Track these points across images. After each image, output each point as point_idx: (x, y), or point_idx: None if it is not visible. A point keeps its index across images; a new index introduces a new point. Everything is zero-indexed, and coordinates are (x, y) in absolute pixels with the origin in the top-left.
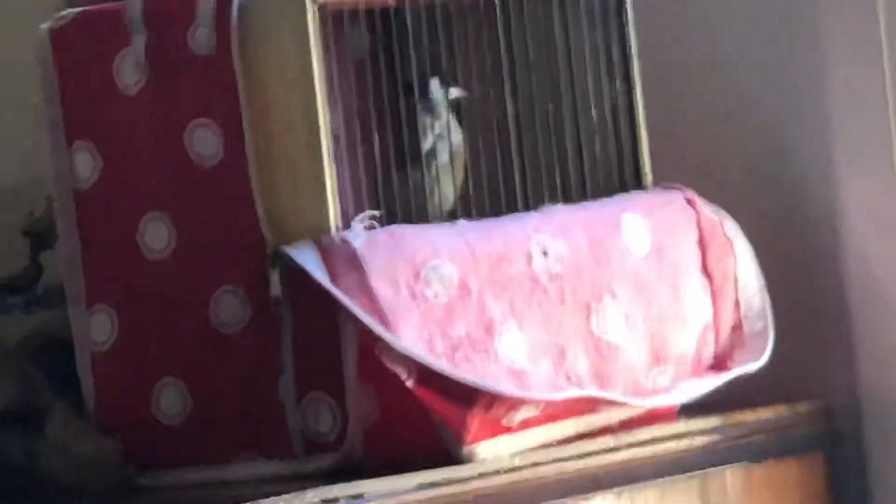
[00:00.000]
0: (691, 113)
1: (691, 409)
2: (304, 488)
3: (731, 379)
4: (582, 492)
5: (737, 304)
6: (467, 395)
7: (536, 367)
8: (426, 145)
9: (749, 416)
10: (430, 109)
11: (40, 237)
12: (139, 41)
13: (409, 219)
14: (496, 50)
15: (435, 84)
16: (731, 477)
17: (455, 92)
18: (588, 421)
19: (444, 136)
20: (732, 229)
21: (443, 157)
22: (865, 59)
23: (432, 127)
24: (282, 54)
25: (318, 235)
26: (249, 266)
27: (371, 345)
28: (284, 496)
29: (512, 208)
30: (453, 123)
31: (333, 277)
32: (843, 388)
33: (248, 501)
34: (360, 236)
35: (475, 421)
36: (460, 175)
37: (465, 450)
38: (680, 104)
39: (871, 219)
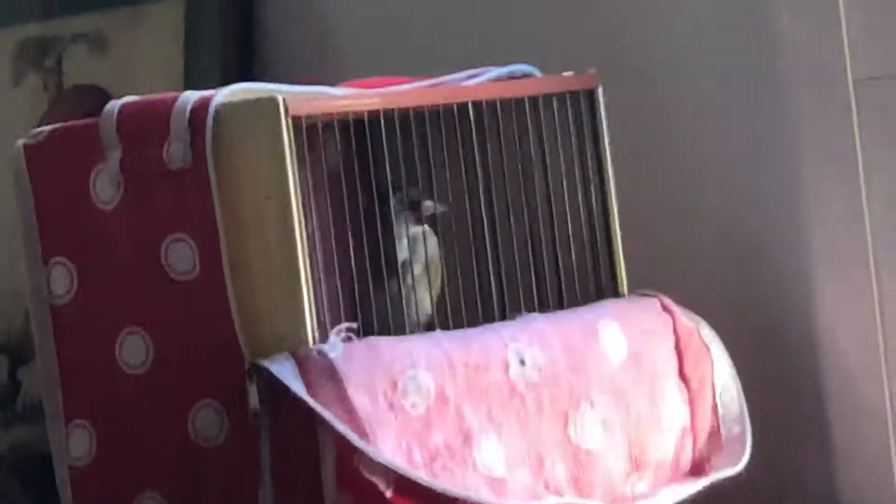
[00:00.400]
0: (666, 219)
1: None
2: None
3: (710, 483)
4: None
5: (714, 408)
6: None
7: (515, 476)
8: (402, 256)
9: None
10: (405, 220)
11: (18, 353)
12: (114, 156)
13: (386, 329)
14: (471, 158)
15: (409, 195)
16: None
17: (429, 205)
18: None
19: (419, 245)
20: (709, 335)
21: (418, 266)
22: (839, 160)
23: (407, 237)
24: (257, 167)
25: (295, 348)
26: (227, 379)
27: (350, 456)
28: None
29: (488, 317)
30: (428, 233)
31: (311, 389)
32: (821, 491)
33: None
34: (336, 348)
35: None
36: (437, 284)
37: None
38: (654, 211)
39: (848, 321)
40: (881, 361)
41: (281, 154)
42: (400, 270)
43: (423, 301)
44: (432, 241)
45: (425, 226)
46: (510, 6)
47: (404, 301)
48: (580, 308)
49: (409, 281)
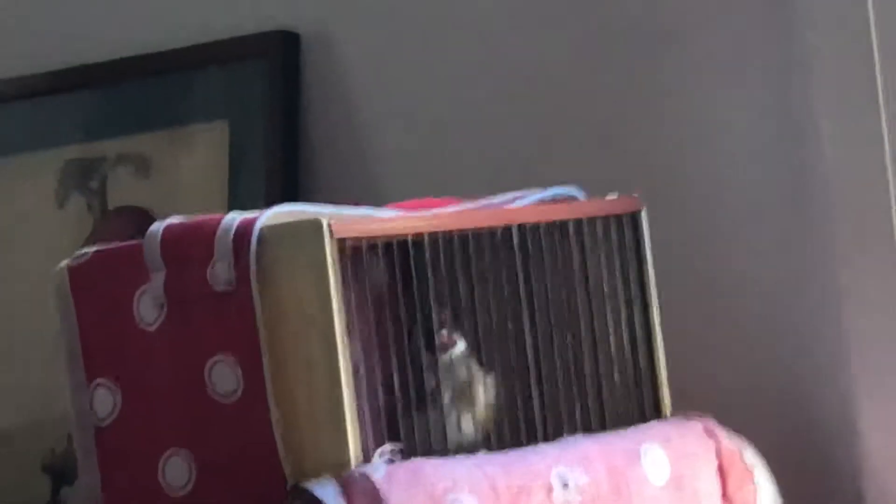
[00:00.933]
0: (709, 342)
1: None
2: None
3: None
4: None
5: None
6: None
7: None
8: (445, 378)
9: None
10: (449, 344)
11: (61, 474)
12: (158, 278)
13: (428, 452)
14: (515, 280)
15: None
16: None
17: (461, 345)
18: None
19: (462, 369)
20: (752, 458)
21: (462, 389)
22: (883, 287)
23: (451, 360)
24: (301, 289)
25: (338, 469)
26: (270, 501)
27: None
28: None
29: (532, 438)
30: (472, 358)
31: None
32: None
33: None
34: (380, 470)
35: None
36: (480, 408)
37: None
38: (698, 333)
39: (892, 446)
40: None
41: (325, 276)
42: (442, 392)
43: (466, 424)
44: (476, 364)
45: (469, 349)
46: (554, 129)
47: (447, 424)
48: (623, 430)
49: (453, 403)
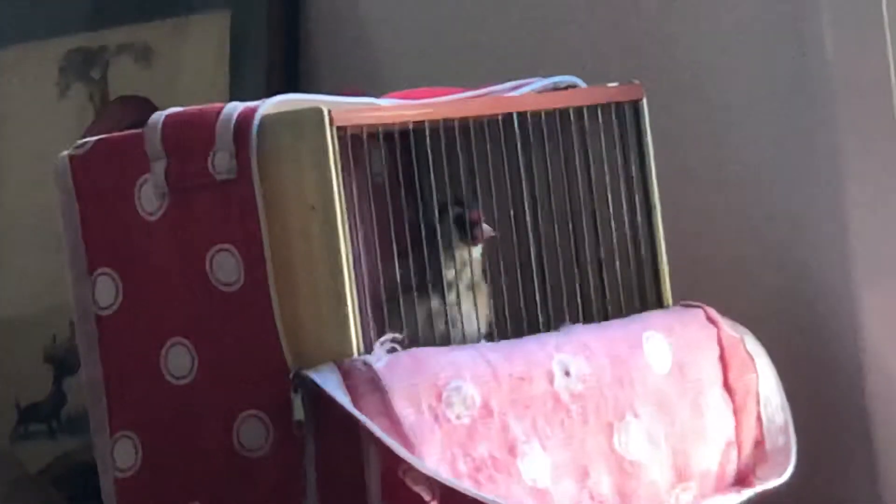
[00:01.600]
0: (710, 230)
1: None
2: None
3: (755, 495)
4: None
5: (759, 419)
6: None
7: (559, 487)
8: (449, 273)
9: None
10: (458, 240)
11: (63, 364)
12: (159, 167)
13: (430, 343)
14: (515, 169)
15: (469, 217)
16: None
17: (488, 229)
18: None
19: (466, 265)
20: (753, 346)
21: (464, 281)
22: (886, 173)
23: (453, 252)
24: (302, 178)
25: (340, 358)
26: (272, 390)
27: (394, 467)
28: None
29: (533, 329)
30: (475, 248)
31: (355, 400)
32: (867, 502)
33: None
34: (381, 358)
35: None
36: (482, 299)
37: None
38: (699, 222)
39: (893, 332)
40: None
41: (325, 164)
42: (445, 287)
43: (469, 317)
44: (478, 254)
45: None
46: (555, 17)
47: (448, 317)
48: (625, 319)
49: (455, 295)
